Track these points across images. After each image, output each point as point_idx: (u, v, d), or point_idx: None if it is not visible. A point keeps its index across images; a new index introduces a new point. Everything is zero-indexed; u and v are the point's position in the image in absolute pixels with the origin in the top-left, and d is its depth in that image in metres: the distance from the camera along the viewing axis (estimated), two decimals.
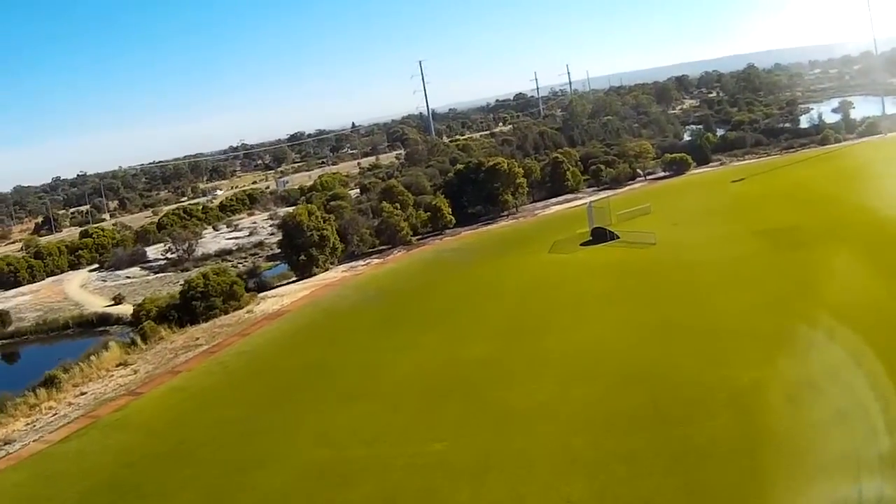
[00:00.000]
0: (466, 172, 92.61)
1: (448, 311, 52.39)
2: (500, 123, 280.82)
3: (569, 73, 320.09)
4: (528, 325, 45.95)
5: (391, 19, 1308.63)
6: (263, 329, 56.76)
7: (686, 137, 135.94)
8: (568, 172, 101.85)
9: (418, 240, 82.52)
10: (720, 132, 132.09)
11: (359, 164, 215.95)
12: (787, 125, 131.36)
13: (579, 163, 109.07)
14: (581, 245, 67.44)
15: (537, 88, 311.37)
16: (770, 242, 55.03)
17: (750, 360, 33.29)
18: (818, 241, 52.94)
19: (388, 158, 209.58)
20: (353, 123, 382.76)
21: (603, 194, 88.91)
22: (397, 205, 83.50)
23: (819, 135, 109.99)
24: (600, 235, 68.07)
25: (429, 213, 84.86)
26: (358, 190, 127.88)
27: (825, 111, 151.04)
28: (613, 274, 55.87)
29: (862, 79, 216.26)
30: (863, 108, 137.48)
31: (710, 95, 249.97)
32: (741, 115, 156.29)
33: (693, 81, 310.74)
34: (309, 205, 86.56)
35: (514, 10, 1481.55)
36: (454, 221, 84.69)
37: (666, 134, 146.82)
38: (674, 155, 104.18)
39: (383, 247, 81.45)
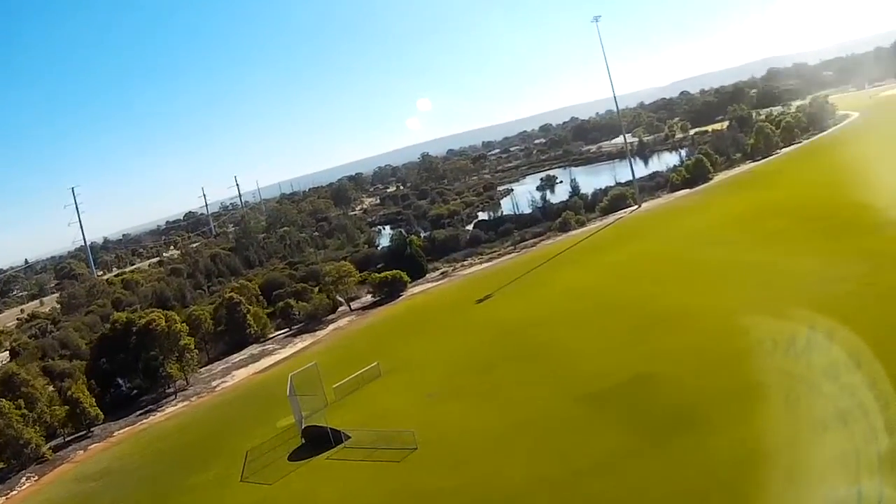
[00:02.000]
0: (115, 336, 65.98)
1: None
2: (172, 247, 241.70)
3: (237, 184, 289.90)
4: None
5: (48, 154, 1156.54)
6: None
7: (385, 243, 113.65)
8: (249, 315, 72.20)
9: (56, 448, 56.00)
10: (424, 232, 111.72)
11: (21, 310, 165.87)
12: (510, 213, 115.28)
13: (261, 297, 79.65)
14: (291, 459, 39.81)
15: (206, 205, 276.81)
16: (626, 423, 32.32)
17: None
18: (702, 407, 31.47)
19: (52, 302, 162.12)
20: (25, 260, 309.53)
21: (300, 342, 62.67)
22: (20, 402, 53.93)
23: (558, 219, 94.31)
24: (318, 438, 39.83)
25: (67, 407, 58.51)
26: (7, 354, 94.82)
27: (523, 192, 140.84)
28: None
29: (554, 151, 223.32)
30: (566, 180, 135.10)
31: (390, 190, 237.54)
32: (439, 207, 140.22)
33: (367, 178, 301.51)
34: None
35: (181, 127, 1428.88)
36: (101, 416, 59.61)
37: (356, 241, 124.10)
38: (383, 274, 78.98)
39: None
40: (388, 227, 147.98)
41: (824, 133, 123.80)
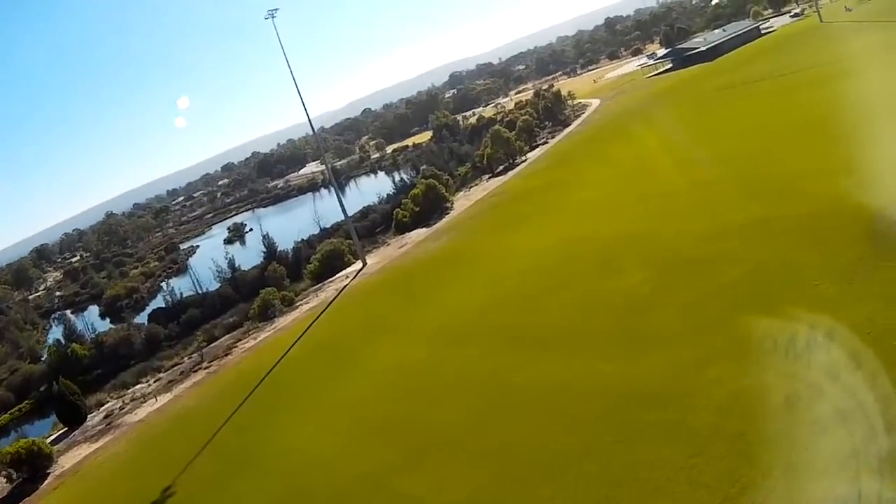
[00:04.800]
0: None
1: None
2: None
3: None
4: None
5: None
6: None
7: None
8: None
9: None
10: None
11: None
12: (192, 293, 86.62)
13: None
14: None
15: None
16: None
17: None
18: None
19: None
20: None
21: None
22: None
23: (257, 298, 67.59)
24: None
25: None
26: None
27: (210, 249, 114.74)
28: None
29: (239, 192, 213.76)
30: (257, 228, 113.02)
31: (74, 261, 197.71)
32: (115, 285, 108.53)
33: (55, 249, 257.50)
34: None
35: None
36: None
37: (21, 347, 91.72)
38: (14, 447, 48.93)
39: None
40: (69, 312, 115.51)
41: (573, 127, 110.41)
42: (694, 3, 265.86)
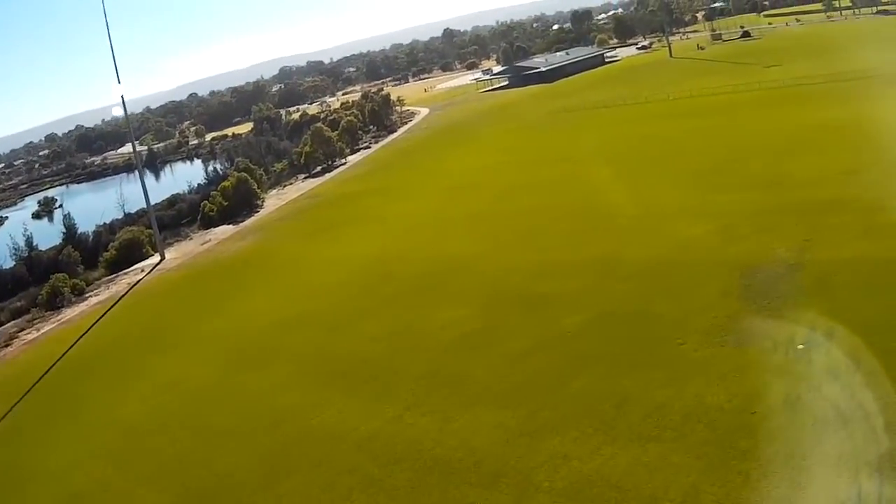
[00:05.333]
0: None
1: None
2: None
3: None
4: None
5: None
6: None
7: None
8: None
9: None
10: None
11: None
12: None
13: None
14: None
15: None
16: None
17: None
18: None
19: None
20: None
21: None
22: None
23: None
24: None
25: None
26: None
27: (18, 222, 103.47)
28: None
29: (57, 164, 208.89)
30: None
31: None
32: None
33: None
34: None
35: None
36: None
37: None
38: None
39: None
40: None
41: (399, 134, 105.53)
42: (535, 26, 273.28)
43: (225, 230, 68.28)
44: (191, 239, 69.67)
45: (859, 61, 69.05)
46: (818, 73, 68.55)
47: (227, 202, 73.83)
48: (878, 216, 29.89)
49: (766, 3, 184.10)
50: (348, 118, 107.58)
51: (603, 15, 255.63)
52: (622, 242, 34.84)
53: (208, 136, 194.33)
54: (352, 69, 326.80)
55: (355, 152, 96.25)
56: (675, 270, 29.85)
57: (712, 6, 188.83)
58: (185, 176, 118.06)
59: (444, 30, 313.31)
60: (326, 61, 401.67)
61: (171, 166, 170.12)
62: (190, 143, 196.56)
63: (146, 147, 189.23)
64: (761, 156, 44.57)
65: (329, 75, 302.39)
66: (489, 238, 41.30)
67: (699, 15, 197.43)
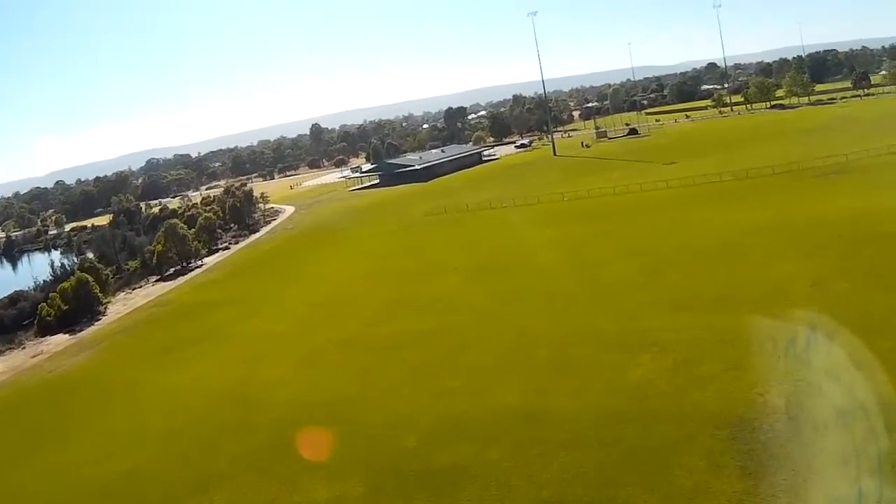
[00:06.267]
0: None
1: None
2: None
3: None
4: None
5: None
6: None
7: None
8: None
9: None
10: None
11: None
12: None
13: None
14: None
15: None
16: None
17: None
18: None
19: None
20: None
21: None
22: None
23: None
24: None
25: None
26: None
27: None
28: None
29: None
30: None
31: None
32: None
33: None
34: None
35: None
36: None
37: None
38: None
39: None
40: None
41: (261, 234, 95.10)
42: (404, 125, 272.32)
43: (60, 341, 58.60)
44: (24, 348, 59.62)
45: (762, 157, 67.07)
46: (723, 169, 65.79)
47: (67, 305, 63.10)
48: None
49: (645, 101, 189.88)
50: (206, 215, 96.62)
51: (473, 115, 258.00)
52: (547, 384, 26.76)
53: (68, 227, 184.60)
54: (217, 164, 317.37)
55: (213, 253, 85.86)
56: (629, 429, 21.76)
57: (587, 105, 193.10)
58: (43, 268, 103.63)
59: (312, 126, 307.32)
60: (194, 154, 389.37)
61: (29, 256, 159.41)
62: (49, 233, 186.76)
63: (5, 235, 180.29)
64: (691, 263, 38.74)
65: (194, 169, 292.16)
66: (369, 375, 32.22)
67: (576, 114, 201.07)
